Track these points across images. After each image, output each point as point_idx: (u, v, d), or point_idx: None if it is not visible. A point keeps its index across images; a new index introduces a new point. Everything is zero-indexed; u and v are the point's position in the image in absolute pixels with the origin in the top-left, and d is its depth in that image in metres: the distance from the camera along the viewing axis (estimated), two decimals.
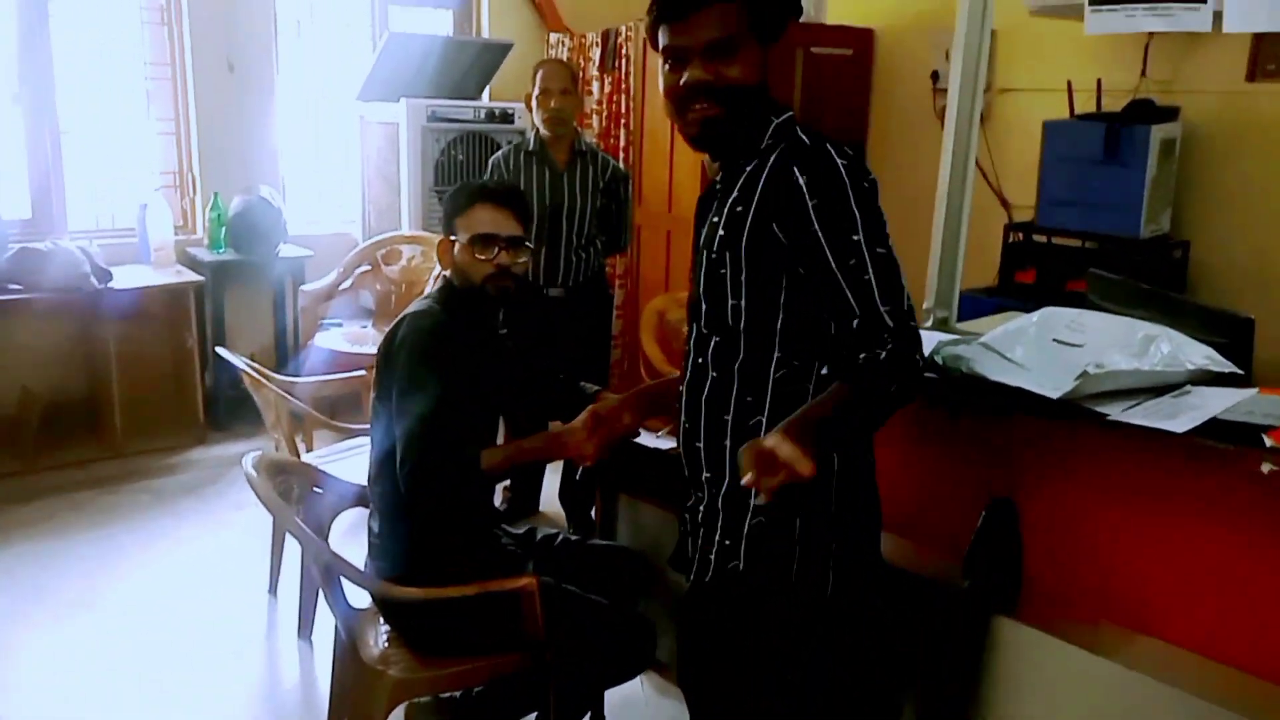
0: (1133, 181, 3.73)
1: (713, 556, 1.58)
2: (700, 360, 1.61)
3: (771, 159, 1.51)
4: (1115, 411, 1.71)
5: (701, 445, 1.60)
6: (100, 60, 4.53)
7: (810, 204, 1.44)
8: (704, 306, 1.59)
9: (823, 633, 1.60)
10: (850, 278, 1.43)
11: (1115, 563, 1.75)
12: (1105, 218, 3.82)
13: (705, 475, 1.60)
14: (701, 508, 1.62)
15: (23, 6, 4.27)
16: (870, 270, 1.43)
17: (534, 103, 3.48)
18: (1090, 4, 2.46)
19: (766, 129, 1.54)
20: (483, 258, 2.15)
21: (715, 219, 1.56)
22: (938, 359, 1.89)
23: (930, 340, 1.95)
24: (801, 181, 1.45)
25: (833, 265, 1.44)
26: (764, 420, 1.53)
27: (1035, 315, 2.01)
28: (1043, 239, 4.03)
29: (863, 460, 1.60)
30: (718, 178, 1.60)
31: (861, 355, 1.43)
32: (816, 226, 1.44)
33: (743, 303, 1.53)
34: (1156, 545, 1.71)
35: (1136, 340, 1.86)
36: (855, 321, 1.43)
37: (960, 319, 2.77)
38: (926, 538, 1.94)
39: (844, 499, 1.54)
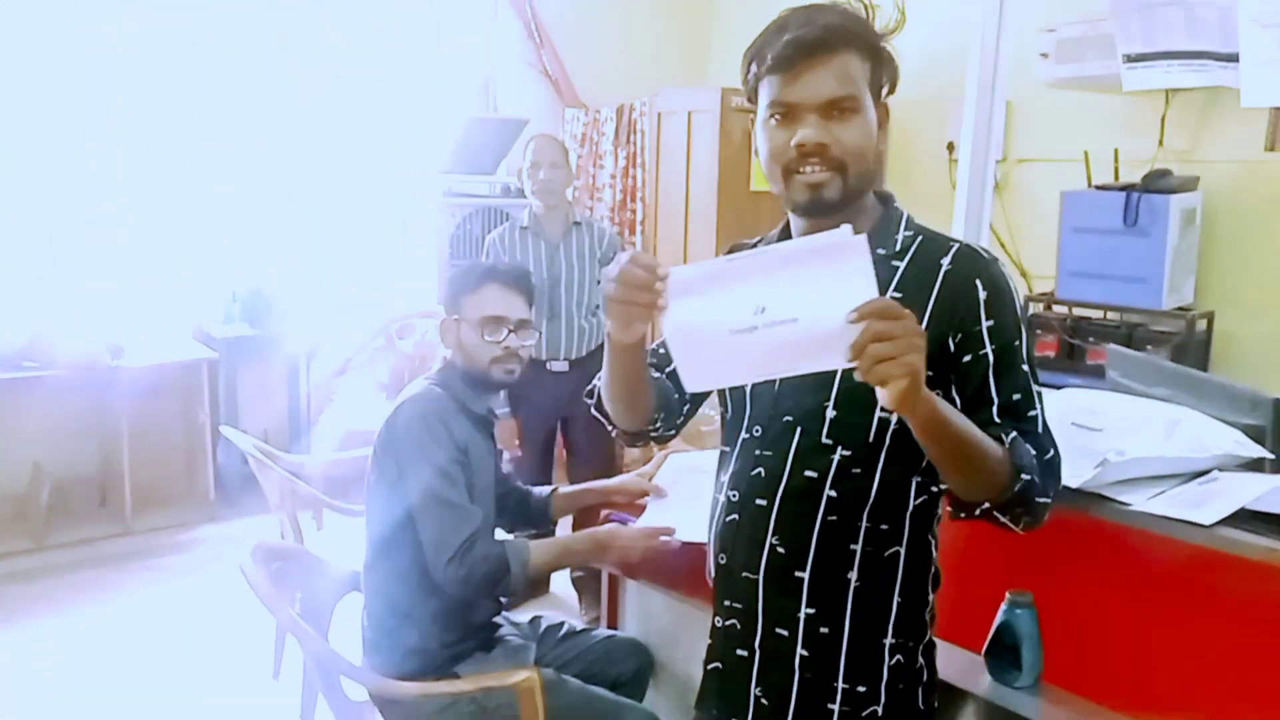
0: (1153, 251, 3.68)
1: (835, 706, 1.37)
2: (809, 474, 1.36)
3: (932, 260, 1.35)
4: (1138, 501, 1.63)
5: (806, 576, 1.37)
6: (122, 134, 4.59)
7: (985, 323, 1.31)
8: (832, 414, 1.33)
9: None
10: (1000, 382, 1.31)
11: (1139, 659, 1.65)
12: (1126, 288, 3.76)
13: (806, 611, 1.37)
14: (796, 649, 1.39)
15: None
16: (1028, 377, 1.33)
17: (524, 176, 3.54)
18: (1125, 61, 2.44)
19: (890, 213, 1.41)
20: (491, 339, 2.11)
21: None
22: None
23: None
24: (982, 297, 1.31)
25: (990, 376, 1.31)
26: (902, 551, 1.36)
27: (1051, 398, 1.93)
28: (1063, 310, 3.97)
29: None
30: None
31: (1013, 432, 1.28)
32: (988, 342, 1.31)
33: (894, 417, 1.30)
34: (1182, 641, 1.61)
35: (1159, 425, 1.78)
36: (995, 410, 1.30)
37: None
38: (942, 633, 1.85)
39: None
